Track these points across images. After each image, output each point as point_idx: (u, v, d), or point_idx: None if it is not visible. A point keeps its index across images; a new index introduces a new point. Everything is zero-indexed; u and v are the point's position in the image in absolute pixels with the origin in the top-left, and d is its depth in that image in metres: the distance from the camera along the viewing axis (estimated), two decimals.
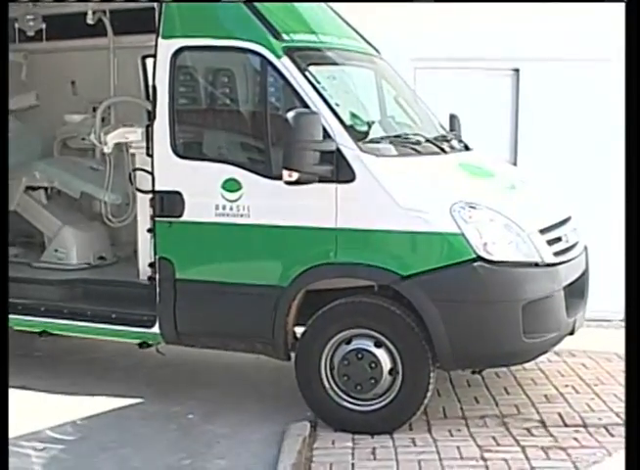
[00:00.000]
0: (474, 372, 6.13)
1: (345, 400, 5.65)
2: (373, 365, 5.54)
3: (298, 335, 5.83)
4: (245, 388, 6.69)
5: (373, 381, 5.55)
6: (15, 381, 6.70)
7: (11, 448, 5.51)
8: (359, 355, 5.56)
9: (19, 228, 8.07)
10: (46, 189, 7.77)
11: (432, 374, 5.51)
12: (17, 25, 7.82)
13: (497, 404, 6.05)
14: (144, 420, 6.06)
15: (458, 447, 5.30)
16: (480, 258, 5.34)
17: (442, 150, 6.15)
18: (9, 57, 8.04)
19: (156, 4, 6.19)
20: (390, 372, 5.55)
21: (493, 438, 5.44)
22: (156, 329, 6.10)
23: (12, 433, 5.66)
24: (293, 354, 5.84)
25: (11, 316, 6.64)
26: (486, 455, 5.17)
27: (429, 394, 5.54)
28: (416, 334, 5.45)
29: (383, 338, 5.54)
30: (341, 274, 5.64)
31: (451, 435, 5.52)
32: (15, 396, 6.47)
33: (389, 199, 5.46)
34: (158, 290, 6.05)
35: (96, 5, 7.37)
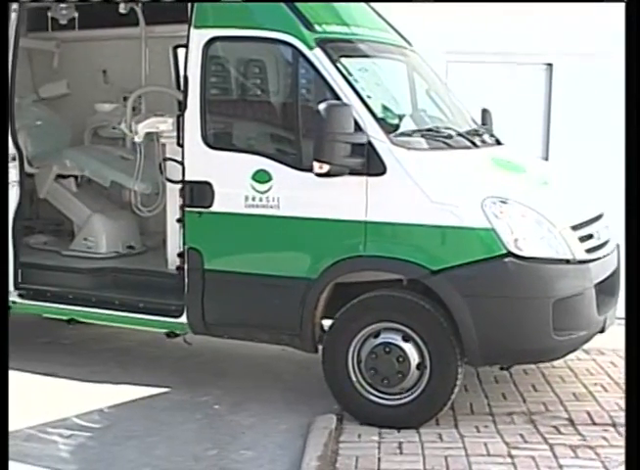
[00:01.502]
0: (502, 368, 6.08)
1: (372, 394, 5.63)
2: (400, 359, 5.52)
3: (326, 327, 5.81)
4: (270, 379, 6.69)
5: (400, 375, 5.53)
6: (43, 368, 6.81)
7: (37, 435, 5.61)
8: (387, 349, 5.54)
9: (48, 216, 8.15)
10: (76, 177, 7.78)
11: (459, 369, 5.48)
12: (50, 14, 7.84)
13: (525, 401, 6.02)
14: (170, 409, 6.08)
15: (485, 444, 5.26)
16: (510, 254, 5.31)
17: (474, 144, 6.11)
18: (41, 45, 8.18)
19: None
20: (418, 367, 5.52)
21: (521, 435, 5.40)
22: (183, 319, 6.11)
23: (39, 419, 5.79)
24: (319, 347, 5.83)
25: (39, 304, 6.75)
26: (514, 453, 5.14)
27: (456, 389, 5.51)
28: (444, 329, 5.42)
29: (411, 332, 5.51)
30: (369, 267, 5.62)
31: (478, 431, 5.49)
32: (42, 383, 6.58)
33: (420, 192, 5.43)
34: (186, 280, 6.06)
35: None
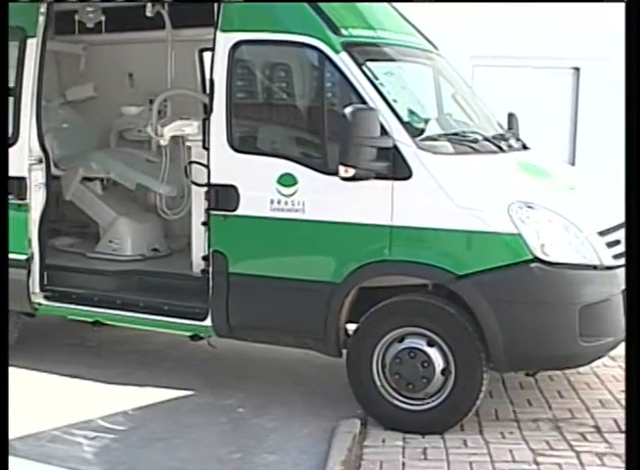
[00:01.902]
0: (527, 374, 6.05)
1: (397, 399, 5.61)
2: (425, 364, 5.50)
3: (350, 332, 5.80)
4: (294, 383, 6.69)
5: (425, 380, 5.51)
6: (68, 370, 6.84)
7: (62, 436, 5.64)
8: (412, 354, 5.52)
9: (74, 218, 8.18)
10: (102, 180, 7.80)
11: (484, 375, 5.45)
12: (77, 17, 7.88)
13: (551, 408, 5.97)
14: (194, 412, 6.09)
15: (510, 450, 5.23)
16: (537, 260, 5.27)
17: (500, 149, 6.09)
18: (68, 48, 8.22)
19: None
20: (443, 372, 5.50)
21: (546, 442, 5.36)
22: (207, 322, 6.11)
23: (64, 421, 5.81)
24: (344, 351, 5.82)
25: (65, 306, 6.78)
26: (539, 459, 5.10)
27: (481, 395, 5.48)
28: (470, 334, 5.40)
29: (436, 337, 5.49)
30: (395, 272, 5.60)
31: (503, 437, 5.45)
32: (68, 384, 6.61)
33: (446, 197, 5.41)
34: (210, 283, 6.06)
35: None
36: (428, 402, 5.54)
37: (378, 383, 5.63)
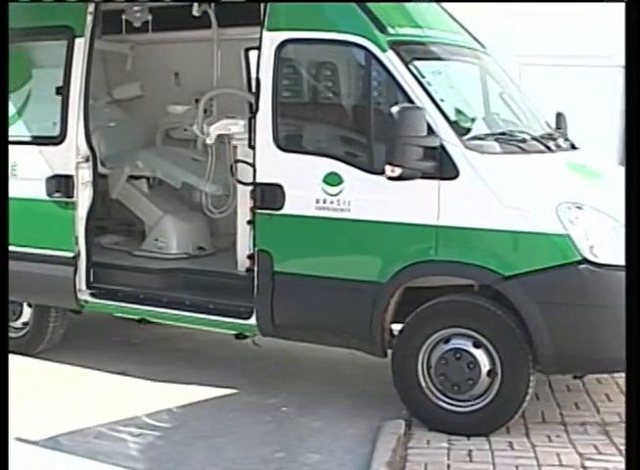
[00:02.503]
0: (575, 377, 5.98)
1: (442, 400, 5.57)
2: (471, 366, 5.46)
3: (395, 332, 5.78)
4: (339, 383, 6.67)
5: (471, 382, 5.46)
6: (114, 367, 6.90)
7: (108, 433, 5.68)
8: (457, 355, 5.49)
9: (120, 217, 8.24)
10: (148, 178, 7.85)
11: (531, 377, 5.40)
12: (124, 17, 7.93)
13: (598, 411, 5.89)
14: (238, 411, 6.10)
15: (557, 454, 5.16)
16: (585, 261, 5.21)
17: (548, 148, 6.02)
18: (115, 47, 8.28)
19: None
20: (489, 374, 5.45)
21: (594, 446, 5.29)
22: (252, 321, 6.12)
23: (110, 417, 5.86)
24: (389, 351, 5.80)
25: (111, 303, 6.83)
26: (587, 464, 5.03)
27: (527, 397, 5.43)
28: (516, 336, 5.35)
29: (482, 338, 5.45)
30: (440, 272, 5.57)
31: (550, 440, 5.39)
32: (114, 381, 6.67)
33: (493, 197, 5.37)
34: (255, 282, 6.07)
35: None
36: (473, 404, 5.50)
37: (423, 384, 5.60)
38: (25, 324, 7.38)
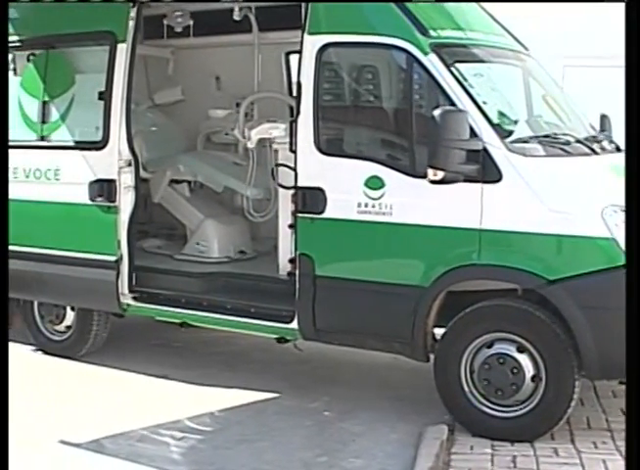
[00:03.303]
0: (621, 382, 5.89)
1: (485, 405, 5.54)
2: (515, 371, 5.41)
3: (438, 336, 5.74)
4: (381, 387, 6.65)
5: (514, 387, 5.42)
6: (156, 370, 6.94)
7: (150, 436, 5.71)
8: (501, 360, 5.45)
9: (162, 220, 8.28)
10: (189, 182, 7.87)
11: (576, 383, 5.34)
12: (165, 22, 7.98)
13: None
14: (280, 414, 6.10)
15: (604, 461, 5.10)
16: None
17: (593, 151, 5.95)
18: (157, 52, 8.34)
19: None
20: (533, 379, 5.40)
21: None
22: (294, 325, 6.12)
23: (152, 421, 5.90)
24: (431, 356, 5.77)
25: (152, 307, 6.87)
26: None
27: (572, 403, 5.37)
28: (561, 341, 5.29)
29: (526, 343, 5.40)
30: (484, 276, 5.53)
31: (596, 447, 5.33)
32: (156, 384, 6.71)
33: (537, 200, 5.32)
34: (297, 286, 6.07)
35: (243, 2, 7.44)
36: (517, 410, 5.46)
37: (466, 389, 5.57)
38: (69, 328, 7.45)
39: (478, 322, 5.54)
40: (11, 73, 7.49)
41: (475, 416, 5.55)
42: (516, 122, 6.00)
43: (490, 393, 5.51)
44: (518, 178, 5.36)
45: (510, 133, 5.71)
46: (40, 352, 7.57)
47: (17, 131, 7.29)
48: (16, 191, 7.15)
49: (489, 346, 5.51)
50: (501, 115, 5.91)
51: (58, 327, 7.51)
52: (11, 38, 7.31)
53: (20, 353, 7.54)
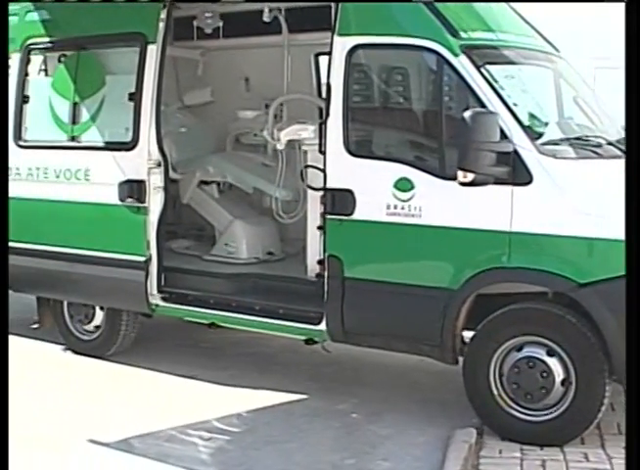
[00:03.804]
0: None
1: (514, 409, 5.51)
2: (544, 374, 5.39)
3: (466, 339, 5.72)
4: (409, 390, 6.64)
5: (544, 391, 5.39)
6: (184, 370, 6.97)
7: (179, 436, 5.74)
8: (530, 364, 5.42)
9: (191, 221, 8.32)
10: (218, 183, 7.90)
11: (607, 387, 5.30)
12: (195, 23, 8.01)
13: None
14: (308, 416, 6.11)
15: None
16: None
17: (625, 153, 5.90)
18: (187, 54, 8.37)
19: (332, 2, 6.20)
20: (563, 383, 5.37)
21: None
22: (322, 326, 6.12)
23: (180, 421, 5.92)
24: (460, 359, 5.75)
25: (181, 307, 6.90)
26: None
27: (603, 407, 5.34)
28: (592, 344, 5.26)
29: (556, 347, 5.37)
30: (513, 279, 5.51)
31: None
32: (185, 385, 6.73)
33: (568, 203, 5.30)
34: (325, 287, 6.07)
35: (273, 3, 7.45)
36: (547, 414, 5.42)
37: (495, 392, 5.55)
38: (98, 327, 7.49)
39: (507, 325, 5.51)
40: (42, 74, 7.58)
41: (504, 420, 5.53)
42: (547, 124, 5.97)
43: (520, 396, 5.49)
44: (548, 181, 5.34)
45: (541, 135, 5.69)
46: (70, 352, 7.62)
47: (47, 132, 7.39)
48: (46, 191, 7.27)
49: (519, 349, 5.48)
50: (532, 116, 5.89)
51: (87, 327, 7.56)
52: (42, 39, 7.43)
53: (49, 353, 7.62)
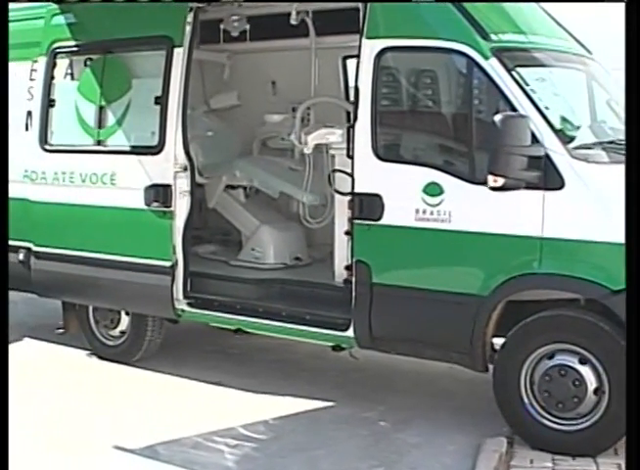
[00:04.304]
0: None
1: (545, 418, 5.48)
2: (577, 383, 5.35)
3: (496, 346, 5.69)
4: (437, 397, 6.62)
5: (576, 400, 5.36)
6: (210, 377, 6.99)
7: (204, 443, 5.75)
8: (562, 372, 5.39)
9: (217, 226, 8.35)
10: (245, 188, 7.92)
11: None
12: (222, 26, 8.03)
13: None
14: (335, 423, 6.10)
15: None
16: None
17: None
18: (213, 57, 8.40)
19: (360, 4, 6.19)
20: (596, 392, 5.33)
21: None
22: (350, 333, 6.11)
23: (206, 428, 5.94)
24: (490, 366, 5.72)
25: (207, 313, 6.91)
26: None
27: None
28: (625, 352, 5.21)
29: (588, 355, 5.34)
30: (545, 286, 5.47)
31: None
32: (209, 391, 6.76)
33: (601, 208, 5.27)
34: (353, 293, 6.06)
35: (300, 5, 7.46)
36: (579, 423, 5.39)
37: (526, 400, 5.52)
38: (123, 333, 7.53)
39: (538, 333, 5.48)
40: (68, 78, 7.63)
41: (535, 429, 5.49)
42: (579, 128, 5.94)
43: (551, 405, 5.45)
44: (581, 185, 5.31)
45: (573, 139, 5.66)
46: (95, 357, 7.66)
47: (73, 136, 7.44)
48: (72, 195, 7.32)
49: (550, 357, 5.45)
50: (564, 120, 5.85)
51: (112, 332, 7.61)
52: (69, 43, 7.48)
53: (75, 358, 7.67)
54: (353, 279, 6.07)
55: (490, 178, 5.33)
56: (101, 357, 7.62)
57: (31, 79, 7.73)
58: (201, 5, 6.90)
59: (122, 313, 7.52)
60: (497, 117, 5.27)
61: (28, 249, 7.64)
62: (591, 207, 5.29)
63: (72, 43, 7.46)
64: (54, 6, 7.52)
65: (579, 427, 5.39)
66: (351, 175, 6.04)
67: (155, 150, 6.88)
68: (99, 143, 7.29)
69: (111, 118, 7.26)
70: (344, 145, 6.20)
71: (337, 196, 6.68)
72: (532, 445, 5.50)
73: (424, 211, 5.75)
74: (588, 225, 5.30)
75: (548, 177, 5.35)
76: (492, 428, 5.72)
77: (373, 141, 5.91)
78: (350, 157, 6.05)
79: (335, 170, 6.60)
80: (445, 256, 5.79)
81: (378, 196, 5.90)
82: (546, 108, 5.57)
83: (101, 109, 7.27)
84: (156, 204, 6.85)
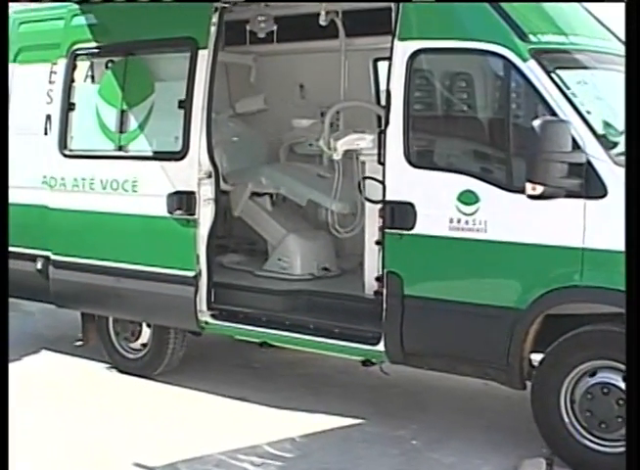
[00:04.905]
0: None
1: (587, 439, 5.43)
2: (621, 402, 5.29)
3: (535, 362, 5.65)
4: (473, 415, 6.58)
5: (620, 420, 5.29)
6: (234, 392, 6.98)
7: (228, 461, 5.75)
8: (605, 390, 5.34)
9: (242, 235, 8.34)
10: (271, 195, 7.90)
11: None
12: (248, 27, 8.04)
13: None
14: (365, 442, 6.07)
15: None
16: None
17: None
18: (238, 59, 8.41)
19: (392, 4, 6.18)
20: None
21: None
22: (380, 347, 6.08)
23: (230, 445, 5.93)
24: (528, 383, 5.68)
25: (231, 325, 6.90)
26: None
27: None
28: None
29: None
30: (586, 299, 5.43)
31: None
32: (233, 406, 6.76)
33: None
34: (384, 306, 6.03)
35: (330, 5, 7.45)
36: (623, 445, 5.29)
37: (566, 420, 5.47)
38: (144, 345, 7.54)
39: (579, 348, 5.43)
40: (89, 81, 7.66)
41: (576, 450, 5.44)
42: (622, 134, 5.87)
43: (593, 425, 5.40)
44: (624, 194, 5.25)
45: (616, 145, 5.60)
46: (115, 371, 7.67)
47: (94, 141, 7.46)
48: (92, 202, 7.34)
49: (592, 374, 5.41)
50: (607, 125, 5.80)
51: (133, 345, 7.62)
52: (89, 44, 7.51)
53: (93, 371, 7.68)
54: (384, 291, 6.04)
55: (529, 186, 5.29)
56: (121, 371, 7.63)
57: (51, 82, 7.77)
58: (226, 5, 6.90)
59: (144, 325, 7.52)
60: (536, 122, 5.24)
61: (47, 257, 7.67)
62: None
63: (93, 45, 7.49)
64: (74, 6, 7.57)
65: (624, 449, 5.31)
66: (382, 183, 6.02)
67: (178, 156, 6.89)
68: (120, 148, 7.31)
69: (132, 123, 7.27)
70: (375, 151, 6.18)
71: (367, 204, 6.66)
72: (573, 467, 5.45)
73: (458, 221, 5.72)
74: None
75: (590, 185, 5.31)
76: (530, 448, 5.68)
77: (405, 147, 5.89)
78: (381, 163, 6.03)
79: (365, 178, 6.59)
80: (481, 267, 5.75)
81: (410, 204, 5.87)
82: (588, 112, 5.53)
83: (122, 113, 7.29)
84: (179, 211, 6.85)
